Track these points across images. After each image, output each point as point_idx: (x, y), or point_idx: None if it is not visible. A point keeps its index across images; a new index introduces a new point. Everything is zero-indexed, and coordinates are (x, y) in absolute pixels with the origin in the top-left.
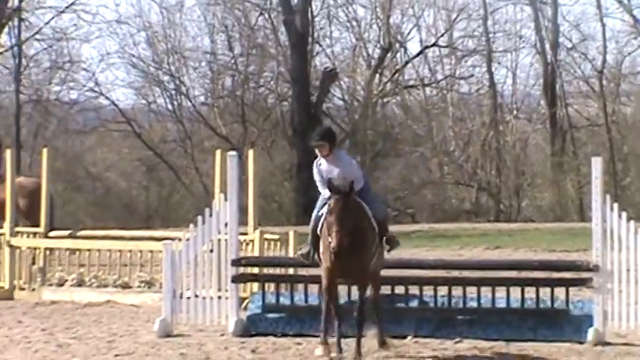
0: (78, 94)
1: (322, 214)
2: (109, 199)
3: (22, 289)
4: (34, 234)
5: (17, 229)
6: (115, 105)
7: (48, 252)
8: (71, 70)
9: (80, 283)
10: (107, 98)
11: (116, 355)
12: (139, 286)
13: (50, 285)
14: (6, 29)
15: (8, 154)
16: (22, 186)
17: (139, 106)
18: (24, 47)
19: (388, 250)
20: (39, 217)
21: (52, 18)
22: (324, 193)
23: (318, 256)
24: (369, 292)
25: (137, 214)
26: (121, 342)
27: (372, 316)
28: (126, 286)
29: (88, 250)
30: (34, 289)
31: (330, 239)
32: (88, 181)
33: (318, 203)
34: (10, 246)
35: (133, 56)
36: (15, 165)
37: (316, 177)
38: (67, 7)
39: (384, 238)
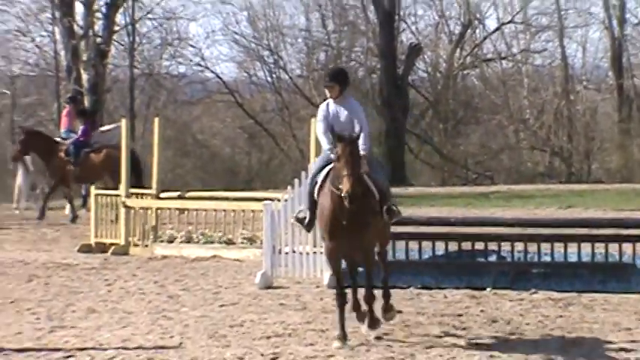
0: (186, 68)
1: (318, 179)
2: (214, 163)
3: (137, 245)
4: (147, 195)
5: (131, 190)
6: (220, 78)
7: (159, 212)
8: (180, 47)
9: (188, 240)
10: (212, 72)
11: (221, 305)
12: (241, 243)
13: (161, 242)
14: (121, 10)
15: (123, 123)
16: (110, 156)
17: (241, 78)
18: (137, 26)
19: (387, 221)
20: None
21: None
22: (324, 141)
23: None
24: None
25: (240, 178)
26: (226, 293)
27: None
28: (230, 243)
29: (196, 209)
30: (147, 246)
31: (340, 186)
32: (195, 148)
33: (316, 164)
34: (126, 206)
35: (236, 33)
36: (129, 133)
37: (320, 119)
38: None
39: (385, 207)
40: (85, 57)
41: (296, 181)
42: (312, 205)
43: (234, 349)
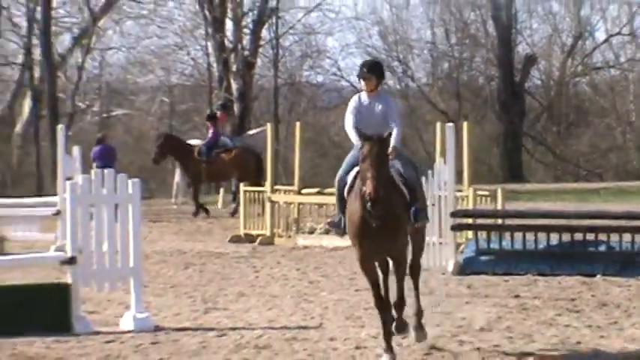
0: (323, 78)
1: (348, 180)
2: None
3: (281, 236)
4: (289, 191)
5: (276, 187)
6: (354, 86)
7: (300, 206)
8: (318, 58)
9: (327, 232)
10: (347, 81)
11: (356, 290)
12: None
13: (303, 233)
14: (266, 26)
15: (269, 127)
16: (238, 156)
17: None
18: (280, 40)
19: (413, 223)
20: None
21: (303, 16)
22: (353, 136)
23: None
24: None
25: None
26: (360, 279)
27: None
28: None
29: (333, 204)
30: (290, 236)
31: (364, 188)
32: (332, 149)
33: (346, 162)
34: (271, 201)
35: (368, 46)
36: (274, 136)
37: (350, 111)
38: (314, 7)
39: (413, 208)
40: (234, 68)
41: (422, 178)
42: (344, 206)
43: (368, 329)
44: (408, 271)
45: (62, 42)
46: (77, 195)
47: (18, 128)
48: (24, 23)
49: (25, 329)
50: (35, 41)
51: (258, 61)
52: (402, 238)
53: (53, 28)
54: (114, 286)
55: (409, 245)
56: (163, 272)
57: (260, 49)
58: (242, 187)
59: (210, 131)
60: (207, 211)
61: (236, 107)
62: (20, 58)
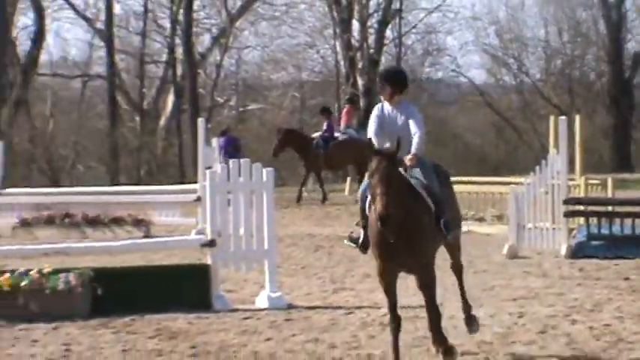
0: (443, 74)
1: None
2: (467, 153)
3: None
4: None
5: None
6: (472, 82)
7: None
8: (438, 56)
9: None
10: (465, 77)
11: (474, 272)
12: (491, 220)
13: None
14: (390, 25)
15: None
16: (353, 147)
17: (490, 82)
18: (403, 39)
19: (445, 236)
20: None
21: (424, 16)
22: (373, 139)
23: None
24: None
25: (488, 165)
26: (478, 262)
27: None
28: (481, 220)
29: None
30: None
31: (375, 207)
32: (451, 140)
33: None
34: None
35: (485, 44)
36: None
37: (371, 120)
38: (435, 8)
39: (442, 220)
40: (360, 65)
41: (537, 168)
42: (366, 221)
43: (486, 308)
44: (451, 270)
45: (202, 42)
46: (216, 183)
47: (162, 122)
48: (168, 25)
49: (169, 306)
50: (178, 41)
51: (383, 59)
52: (424, 254)
53: (194, 29)
54: (250, 267)
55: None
56: (295, 254)
57: (384, 48)
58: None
59: (325, 124)
60: (325, 197)
61: (362, 101)
62: (164, 57)
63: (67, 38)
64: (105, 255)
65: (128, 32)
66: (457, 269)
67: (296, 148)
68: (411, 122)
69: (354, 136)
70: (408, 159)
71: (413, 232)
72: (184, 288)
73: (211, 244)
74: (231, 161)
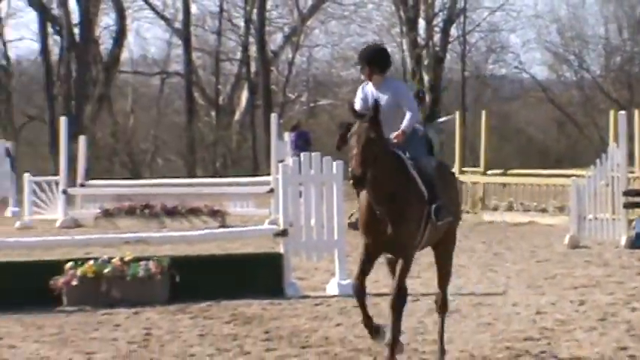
0: (506, 71)
1: None
2: (530, 147)
3: (468, 212)
4: (476, 172)
5: (464, 168)
6: (534, 78)
7: (486, 185)
8: (501, 53)
9: (509, 208)
10: (528, 73)
11: (537, 261)
12: (553, 211)
13: (488, 209)
14: (454, 24)
15: (457, 115)
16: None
17: (551, 78)
18: (467, 37)
19: (436, 222)
20: None
21: (488, 15)
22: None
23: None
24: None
25: (550, 158)
26: (540, 252)
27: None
28: (544, 211)
29: (515, 184)
30: (476, 213)
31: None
32: (514, 135)
33: None
34: (459, 181)
35: (547, 42)
36: (462, 123)
37: (356, 101)
38: (499, 7)
39: (433, 205)
40: (425, 63)
41: (597, 161)
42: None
43: (548, 296)
44: (438, 282)
45: (275, 40)
46: (288, 175)
47: (236, 117)
48: (242, 24)
49: (244, 293)
50: (251, 40)
51: (447, 56)
52: (405, 234)
53: (267, 28)
54: (320, 256)
55: (420, 240)
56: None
57: (449, 46)
58: None
59: None
60: None
61: (427, 97)
62: (238, 55)
63: (147, 37)
64: (182, 244)
65: (204, 31)
66: (444, 278)
67: None
68: (400, 101)
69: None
70: (394, 135)
71: (399, 210)
72: (258, 275)
73: (284, 233)
74: (302, 154)
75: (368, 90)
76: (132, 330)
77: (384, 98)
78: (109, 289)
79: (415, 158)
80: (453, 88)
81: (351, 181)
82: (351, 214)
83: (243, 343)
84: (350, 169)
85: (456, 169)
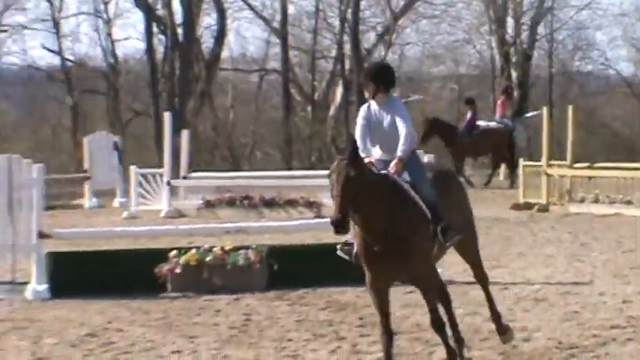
0: (592, 67)
1: None
2: (616, 141)
3: (555, 204)
4: (562, 165)
5: (551, 162)
6: (620, 74)
7: (573, 178)
8: (588, 50)
9: (596, 200)
10: (614, 69)
11: (623, 252)
12: (638, 202)
13: (574, 201)
14: (542, 22)
15: (544, 110)
16: (492, 135)
17: (637, 74)
18: (555, 34)
19: (444, 244)
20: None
21: (575, 13)
22: (361, 148)
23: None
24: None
25: (635, 152)
26: (626, 242)
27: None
28: (629, 203)
29: (601, 177)
30: (563, 205)
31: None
32: (600, 129)
33: None
34: (547, 174)
35: (633, 39)
36: (549, 118)
37: (358, 125)
38: (585, 5)
39: (439, 227)
40: (514, 60)
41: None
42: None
43: (634, 285)
44: (475, 279)
45: (368, 39)
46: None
47: (331, 112)
48: (337, 23)
49: (338, 281)
50: (346, 38)
51: (535, 53)
52: (416, 261)
53: (361, 27)
54: None
55: (431, 265)
56: None
57: (536, 43)
58: (521, 162)
59: (469, 114)
60: (470, 183)
61: (515, 93)
62: (333, 53)
63: (246, 36)
64: (280, 234)
65: (301, 30)
66: (481, 277)
67: (441, 136)
68: (397, 121)
69: (508, 125)
70: (392, 165)
71: (401, 240)
72: (352, 264)
73: None
74: None
75: (372, 110)
76: (232, 315)
77: (387, 119)
78: (211, 277)
79: (413, 181)
80: (541, 84)
81: (334, 230)
82: (347, 240)
83: (339, 329)
84: (330, 214)
85: (543, 163)
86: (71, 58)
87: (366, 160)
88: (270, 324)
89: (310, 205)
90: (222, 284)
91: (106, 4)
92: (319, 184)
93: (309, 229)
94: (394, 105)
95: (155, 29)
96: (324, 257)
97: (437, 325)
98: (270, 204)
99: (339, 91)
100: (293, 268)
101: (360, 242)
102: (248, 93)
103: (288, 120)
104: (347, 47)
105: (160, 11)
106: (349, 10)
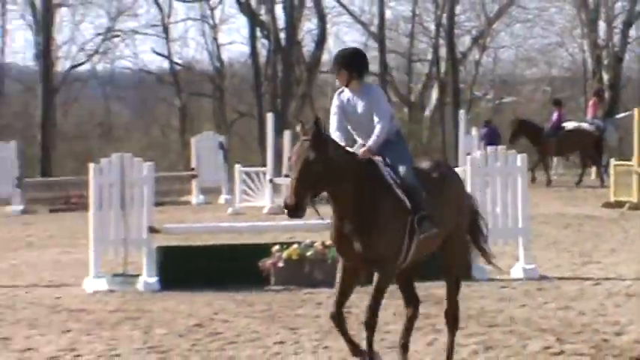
0: None
1: None
2: None
3: None
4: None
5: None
6: None
7: None
8: None
9: None
10: None
11: None
12: None
13: None
14: (634, 25)
15: (636, 112)
16: (579, 135)
17: None
18: None
19: (421, 234)
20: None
21: None
22: (334, 134)
23: None
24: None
25: None
26: None
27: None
28: None
29: None
30: None
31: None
32: None
33: None
34: (637, 173)
35: None
36: None
37: (332, 112)
38: None
39: (416, 216)
40: (605, 62)
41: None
42: None
43: None
44: (447, 285)
45: (463, 42)
46: (475, 167)
47: (427, 113)
48: (432, 27)
49: (435, 275)
50: (441, 42)
51: (626, 56)
52: (381, 243)
53: (456, 31)
54: (506, 242)
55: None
56: (546, 231)
57: (628, 46)
58: (613, 161)
59: (555, 114)
60: (550, 181)
61: (606, 95)
62: (429, 56)
63: (345, 40)
64: None
65: (398, 34)
66: (449, 276)
67: (528, 136)
68: (374, 109)
69: (599, 126)
70: (360, 153)
71: (372, 220)
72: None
73: None
74: (488, 148)
75: (344, 97)
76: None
77: (361, 105)
78: (312, 271)
79: (393, 165)
80: (632, 86)
81: (286, 213)
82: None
83: (435, 322)
84: (285, 197)
85: (634, 162)
86: (179, 61)
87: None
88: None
89: None
90: (322, 278)
91: (212, 9)
92: None
93: None
94: (370, 91)
95: (259, 34)
96: None
97: (368, 324)
98: None
99: (434, 92)
100: None
101: (332, 222)
102: None
103: None
104: (442, 51)
105: (264, 16)
106: (445, 15)
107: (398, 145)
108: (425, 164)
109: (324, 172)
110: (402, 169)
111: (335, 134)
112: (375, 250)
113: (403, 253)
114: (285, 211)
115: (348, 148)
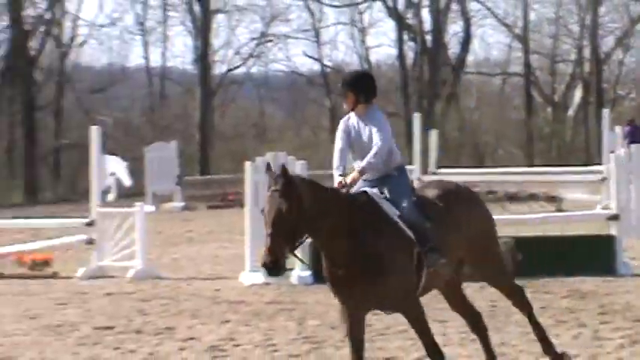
0: None
1: None
2: None
3: None
4: None
5: None
6: None
7: None
8: None
9: None
10: None
11: None
12: None
13: None
14: None
15: None
16: None
17: None
18: None
19: (428, 267)
20: None
21: None
22: (336, 162)
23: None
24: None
25: None
26: None
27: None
28: None
29: None
30: None
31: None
32: None
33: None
34: None
35: None
36: None
37: (337, 139)
38: None
39: (425, 249)
40: None
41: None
42: None
43: None
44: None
45: (607, 42)
46: (619, 164)
47: (570, 112)
48: (576, 28)
49: (578, 271)
50: (585, 43)
51: None
52: (394, 281)
53: (600, 32)
54: None
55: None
56: None
57: None
58: None
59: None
60: None
61: None
62: (572, 57)
63: (490, 42)
64: (523, 226)
65: (541, 36)
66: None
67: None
68: (373, 133)
69: None
70: (350, 177)
71: (368, 262)
72: (592, 255)
73: (616, 218)
74: (632, 146)
75: (350, 123)
76: (479, 302)
77: (366, 131)
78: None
79: (393, 199)
80: None
81: (266, 271)
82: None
83: (580, 316)
84: (261, 256)
85: None
86: (329, 64)
87: (338, 180)
88: (516, 311)
89: (551, 199)
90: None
91: (361, 14)
92: (559, 179)
93: (550, 222)
94: (374, 116)
95: (405, 37)
96: (565, 248)
97: (436, 352)
98: (513, 198)
99: (578, 92)
100: (535, 259)
101: (325, 264)
102: (491, 95)
103: (529, 120)
104: (586, 51)
105: (410, 20)
106: (588, 17)
107: (399, 179)
108: (430, 192)
109: (299, 220)
110: (403, 203)
111: (336, 155)
112: (392, 291)
113: (414, 286)
114: (264, 270)
115: (329, 186)
